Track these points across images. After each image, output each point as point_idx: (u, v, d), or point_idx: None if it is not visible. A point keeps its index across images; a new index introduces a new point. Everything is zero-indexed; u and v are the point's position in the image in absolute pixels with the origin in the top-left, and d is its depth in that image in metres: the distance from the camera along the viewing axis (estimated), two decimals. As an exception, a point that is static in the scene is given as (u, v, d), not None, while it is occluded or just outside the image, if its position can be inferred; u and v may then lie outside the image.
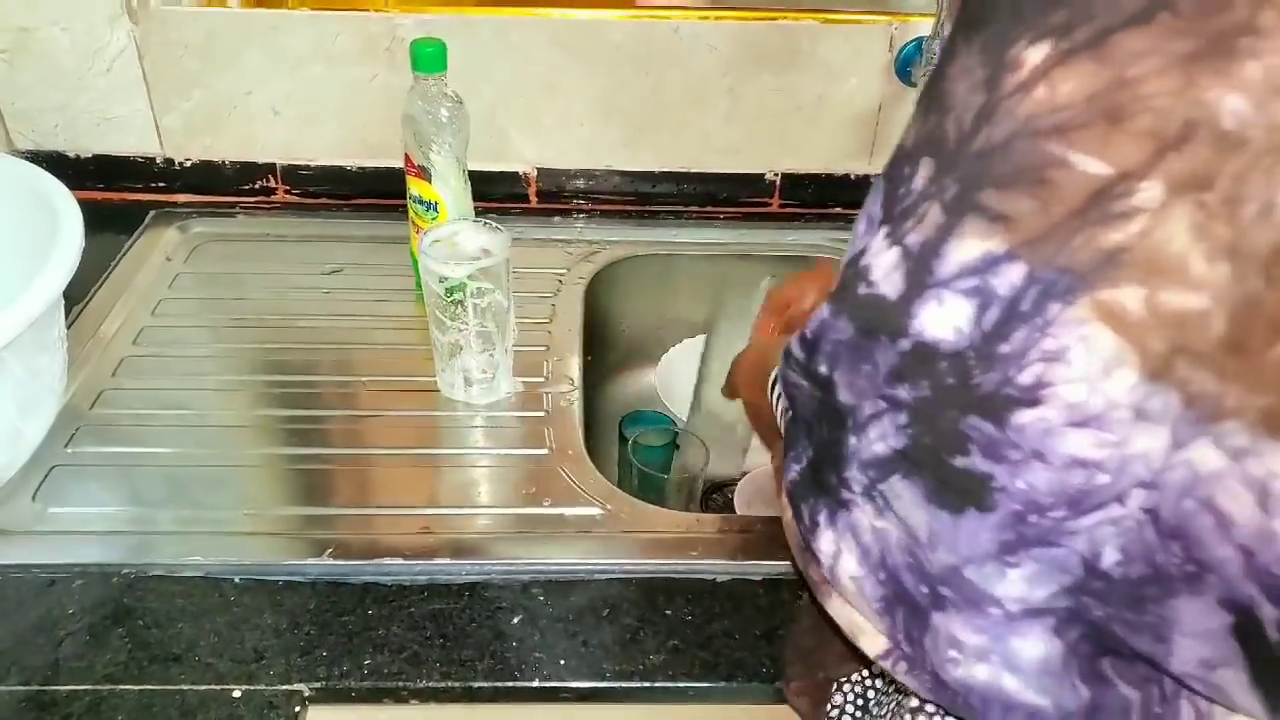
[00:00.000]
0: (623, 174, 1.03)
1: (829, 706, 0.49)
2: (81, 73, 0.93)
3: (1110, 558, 0.28)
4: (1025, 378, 0.26)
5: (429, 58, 0.78)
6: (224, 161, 0.99)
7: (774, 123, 1.00)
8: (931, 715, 0.38)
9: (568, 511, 0.68)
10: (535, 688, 0.57)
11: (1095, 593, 0.28)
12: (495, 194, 1.01)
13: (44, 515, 0.65)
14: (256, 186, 1.01)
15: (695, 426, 0.87)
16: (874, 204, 0.30)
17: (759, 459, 0.88)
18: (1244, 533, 0.25)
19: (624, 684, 0.58)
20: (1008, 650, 0.30)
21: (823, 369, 0.32)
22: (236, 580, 0.62)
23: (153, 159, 0.99)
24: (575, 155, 1.01)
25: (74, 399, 0.75)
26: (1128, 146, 0.25)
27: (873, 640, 0.34)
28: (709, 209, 1.05)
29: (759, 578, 0.64)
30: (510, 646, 0.59)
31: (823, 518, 0.34)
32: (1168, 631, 0.28)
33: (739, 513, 0.84)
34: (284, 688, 0.56)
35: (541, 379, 0.81)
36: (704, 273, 1.02)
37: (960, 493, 0.28)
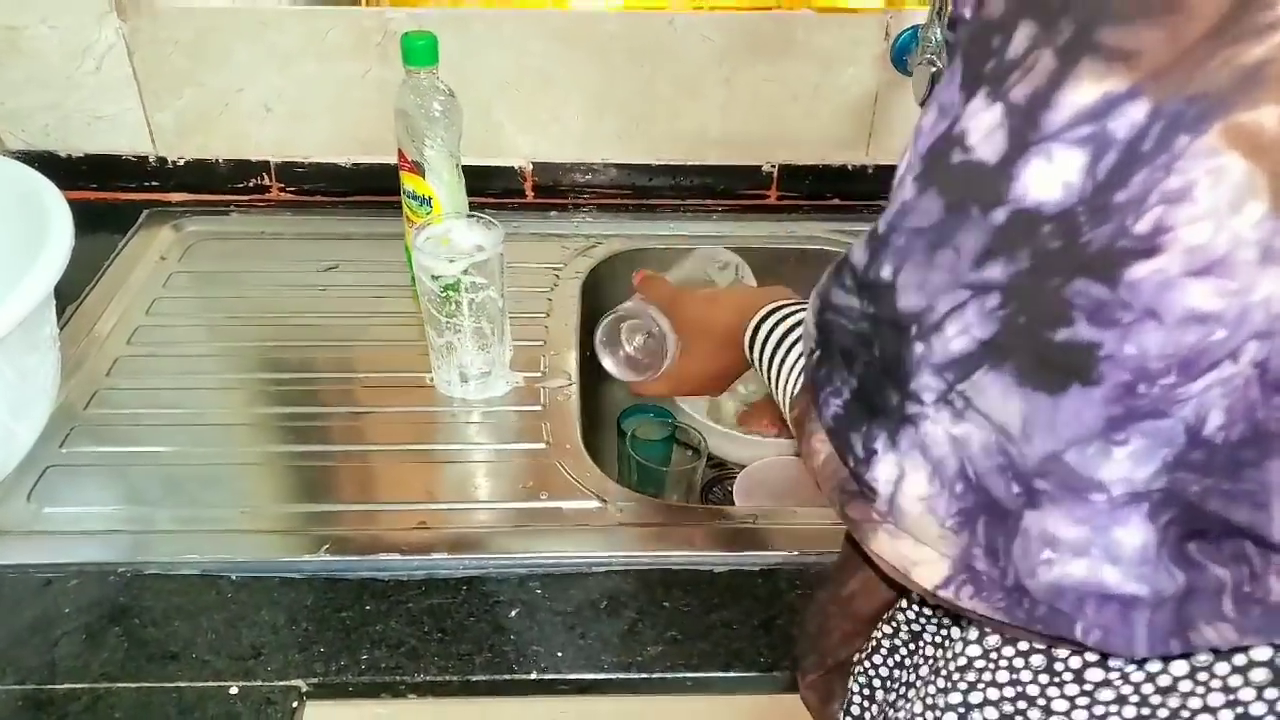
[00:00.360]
0: (619, 167, 1.02)
1: (843, 702, 0.49)
2: (70, 71, 0.93)
3: (1214, 422, 0.26)
4: (1143, 225, 0.25)
5: (420, 51, 0.78)
6: (217, 160, 0.99)
7: (770, 114, 0.99)
8: (980, 671, 0.37)
9: (565, 505, 0.68)
10: (533, 680, 0.57)
11: (1194, 465, 0.27)
12: (492, 189, 1.01)
13: (39, 515, 0.65)
14: (250, 184, 1.01)
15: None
16: (948, 89, 0.28)
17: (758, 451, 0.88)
18: None
19: (622, 675, 0.57)
20: (1110, 541, 0.29)
21: (885, 272, 0.30)
22: (233, 577, 0.62)
23: (145, 158, 0.98)
24: (571, 149, 1.01)
25: (68, 399, 0.74)
26: None
27: (931, 570, 0.32)
28: (706, 201, 1.04)
29: (757, 568, 0.64)
30: (508, 640, 0.59)
31: (880, 443, 0.32)
32: (1266, 497, 0.27)
33: (738, 505, 0.83)
34: (281, 684, 0.55)
35: (539, 374, 0.80)
36: (701, 265, 1.01)
37: (1060, 369, 0.27)
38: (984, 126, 0.27)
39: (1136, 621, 0.30)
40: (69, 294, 0.84)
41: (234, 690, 0.55)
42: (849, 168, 1.03)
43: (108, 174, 0.99)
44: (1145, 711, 0.33)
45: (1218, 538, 0.29)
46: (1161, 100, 0.24)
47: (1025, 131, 0.26)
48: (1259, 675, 0.32)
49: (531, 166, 1.01)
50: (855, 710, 0.47)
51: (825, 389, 0.34)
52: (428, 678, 0.56)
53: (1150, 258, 0.25)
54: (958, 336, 0.29)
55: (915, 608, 0.44)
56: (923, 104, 0.84)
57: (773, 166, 1.03)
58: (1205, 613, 0.29)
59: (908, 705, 0.42)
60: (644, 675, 0.57)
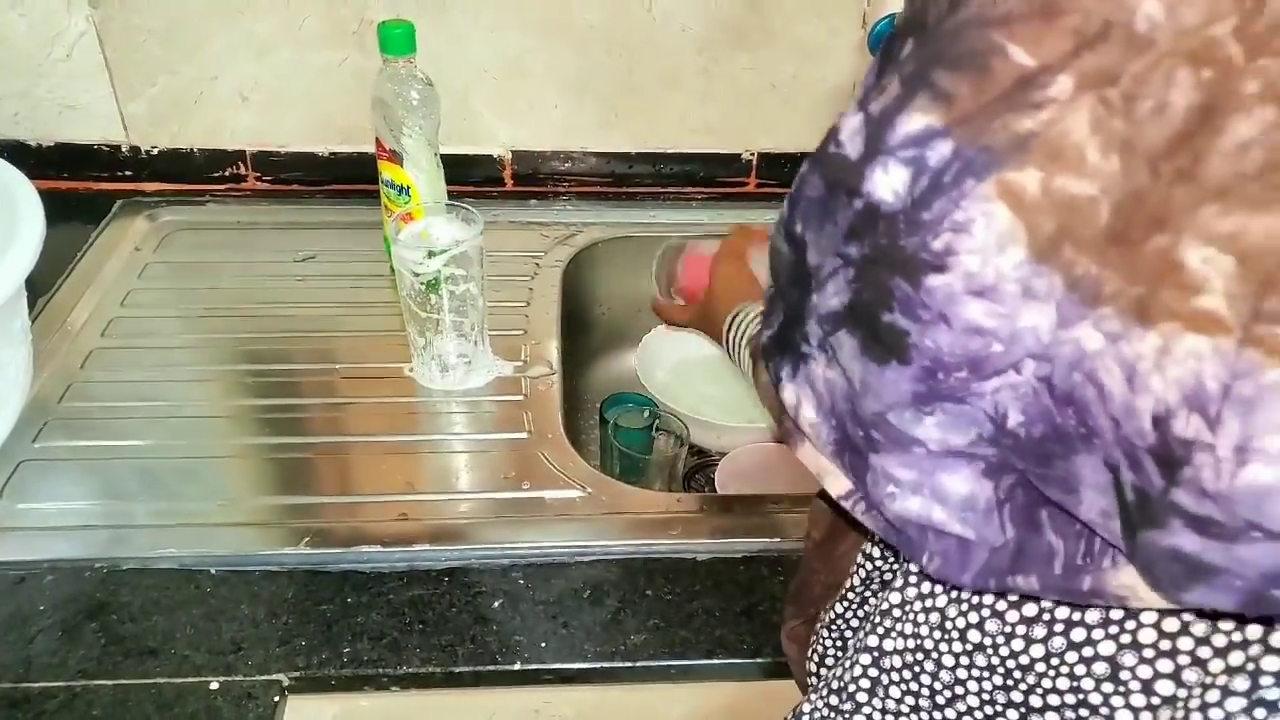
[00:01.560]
0: (599, 155, 1.02)
1: (810, 651, 0.50)
2: (40, 59, 0.91)
3: (1014, 419, 0.31)
4: (937, 244, 0.29)
5: (397, 39, 0.77)
6: (192, 149, 0.98)
7: (749, 102, 0.99)
8: (896, 620, 0.41)
9: (548, 495, 0.68)
10: (516, 670, 0.57)
11: (1009, 448, 0.32)
12: (471, 178, 1.00)
13: (12, 511, 0.64)
14: (226, 174, 0.99)
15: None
16: (869, 76, 0.33)
17: (739, 439, 0.88)
18: (1115, 405, 0.28)
19: (605, 664, 0.57)
20: (935, 484, 0.33)
21: (798, 228, 0.35)
22: (212, 571, 0.61)
23: (118, 147, 0.97)
24: (550, 137, 1.00)
25: (41, 393, 0.73)
26: (1054, 41, 0.27)
27: (836, 481, 0.37)
28: (686, 189, 1.04)
29: (739, 555, 0.64)
30: (491, 630, 0.58)
31: (785, 372, 0.37)
32: (1075, 483, 0.31)
33: (720, 492, 0.83)
34: (262, 678, 0.55)
35: (519, 363, 0.80)
36: (682, 254, 1.01)
37: (885, 346, 0.31)
38: (850, 128, 0.31)
39: (973, 558, 0.34)
40: (41, 286, 0.83)
41: (214, 685, 0.55)
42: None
43: (80, 164, 0.97)
44: (1010, 682, 0.38)
45: (1066, 510, 0.32)
46: (961, 143, 0.28)
47: (875, 140, 0.30)
48: (1099, 669, 0.35)
49: (511, 155, 1.01)
50: (829, 661, 0.49)
51: (766, 319, 0.39)
52: (410, 669, 0.56)
53: (941, 273, 0.29)
54: (833, 296, 0.33)
55: (875, 556, 0.46)
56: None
57: (752, 154, 1.03)
58: (1028, 568, 0.33)
59: (848, 651, 0.45)
60: (627, 664, 0.57)
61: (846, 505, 0.37)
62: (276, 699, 0.54)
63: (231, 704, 0.54)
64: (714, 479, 0.86)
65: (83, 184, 0.98)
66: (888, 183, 0.30)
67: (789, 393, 0.37)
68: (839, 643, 0.48)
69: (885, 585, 0.44)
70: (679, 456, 0.85)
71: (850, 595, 0.47)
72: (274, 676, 0.55)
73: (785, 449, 0.87)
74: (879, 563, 0.46)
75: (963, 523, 0.33)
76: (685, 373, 0.99)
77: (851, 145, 0.31)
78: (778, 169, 1.04)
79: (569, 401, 0.83)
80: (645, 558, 0.64)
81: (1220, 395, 0.25)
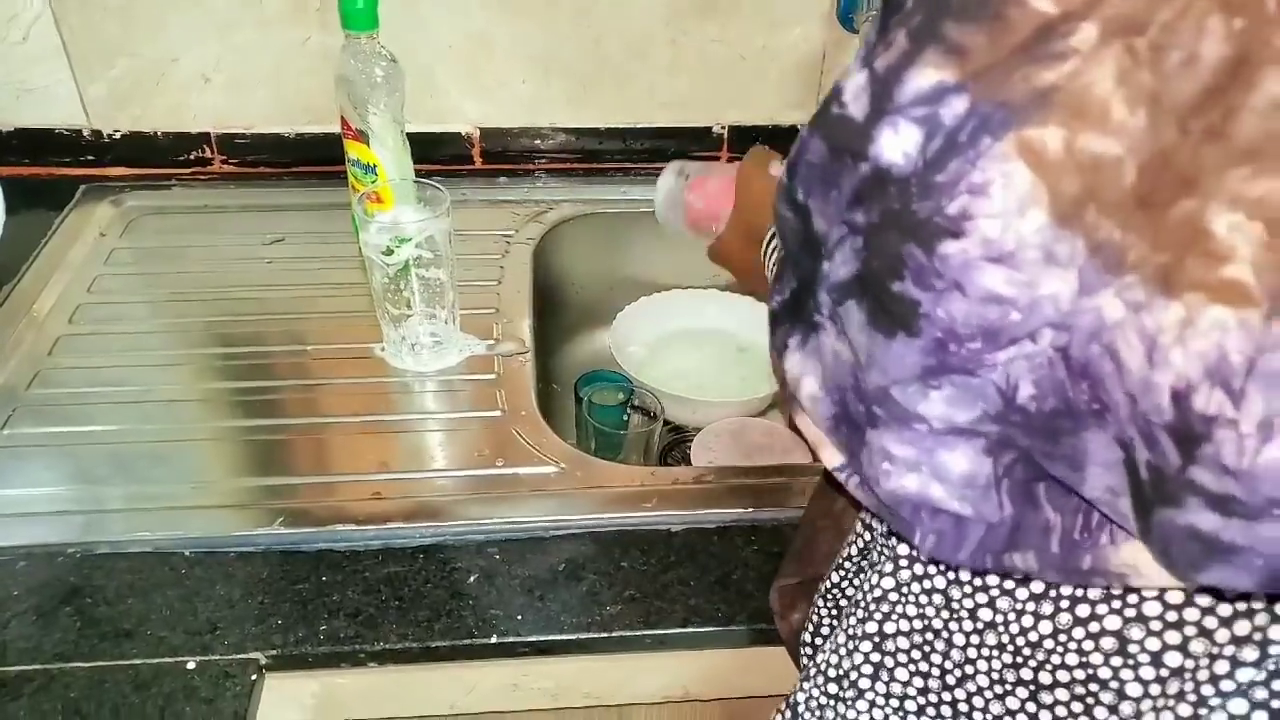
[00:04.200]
0: (568, 131, 1.01)
1: (807, 620, 0.50)
2: (-3, 43, 0.90)
3: (1025, 391, 0.29)
4: (953, 208, 0.27)
5: (359, 15, 0.77)
6: (156, 132, 0.97)
7: (719, 74, 0.99)
8: (894, 604, 0.40)
9: (522, 471, 0.68)
10: (493, 644, 0.57)
11: (1015, 424, 0.30)
12: (439, 156, 1.00)
13: (-17, 498, 0.63)
14: (191, 157, 0.98)
15: None
16: (871, 30, 0.31)
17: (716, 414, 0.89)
18: (1132, 380, 0.27)
19: (582, 635, 0.58)
20: (935, 462, 0.32)
21: (800, 195, 0.33)
22: (187, 553, 0.61)
23: (79, 131, 0.96)
24: (518, 113, 1.00)
25: (8, 381, 0.73)
26: None
27: (831, 454, 0.36)
28: (657, 164, 1.04)
29: (713, 526, 0.65)
30: (467, 605, 0.59)
31: (794, 341, 0.36)
32: (1081, 460, 0.30)
33: (694, 464, 0.84)
34: (239, 657, 0.55)
35: (492, 341, 0.80)
36: (654, 230, 1.01)
37: (893, 316, 0.30)
38: (854, 87, 0.30)
39: (969, 536, 0.33)
40: (4, 273, 0.82)
41: (191, 665, 0.55)
42: (799, 127, 1.02)
43: (40, 149, 0.96)
44: (1019, 659, 0.37)
45: (1066, 486, 0.31)
46: (978, 99, 0.26)
47: (882, 99, 0.29)
48: (1107, 644, 0.34)
49: (479, 132, 1.00)
50: (825, 631, 0.48)
51: (776, 285, 0.38)
52: (387, 645, 0.57)
53: (957, 239, 0.27)
54: (841, 266, 0.32)
55: (875, 527, 0.46)
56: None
57: (723, 127, 1.03)
58: (1025, 544, 0.32)
59: (835, 634, 0.44)
60: (603, 634, 0.58)
61: (841, 478, 0.36)
62: (254, 677, 0.55)
63: (209, 683, 0.54)
64: (689, 454, 0.86)
65: (45, 169, 0.97)
66: (897, 143, 0.28)
67: (793, 363, 0.36)
68: (834, 612, 0.48)
69: (873, 567, 0.43)
70: (654, 432, 0.86)
71: (847, 565, 0.47)
72: (251, 655, 0.55)
73: (759, 422, 0.88)
74: (879, 535, 0.45)
75: (961, 500, 0.32)
76: (659, 349, 0.99)
77: (856, 105, 0.29)
78: (749, 141, 1.03)
79: (543, 379, 0.84)
80: (620, 530, 0.64)
81: (1245, 370, 0.24)
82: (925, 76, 0.27)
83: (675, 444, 0.94)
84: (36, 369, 0.74)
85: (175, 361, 0.77)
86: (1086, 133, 0.25)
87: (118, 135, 0.96)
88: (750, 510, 0.66)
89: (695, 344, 0.99)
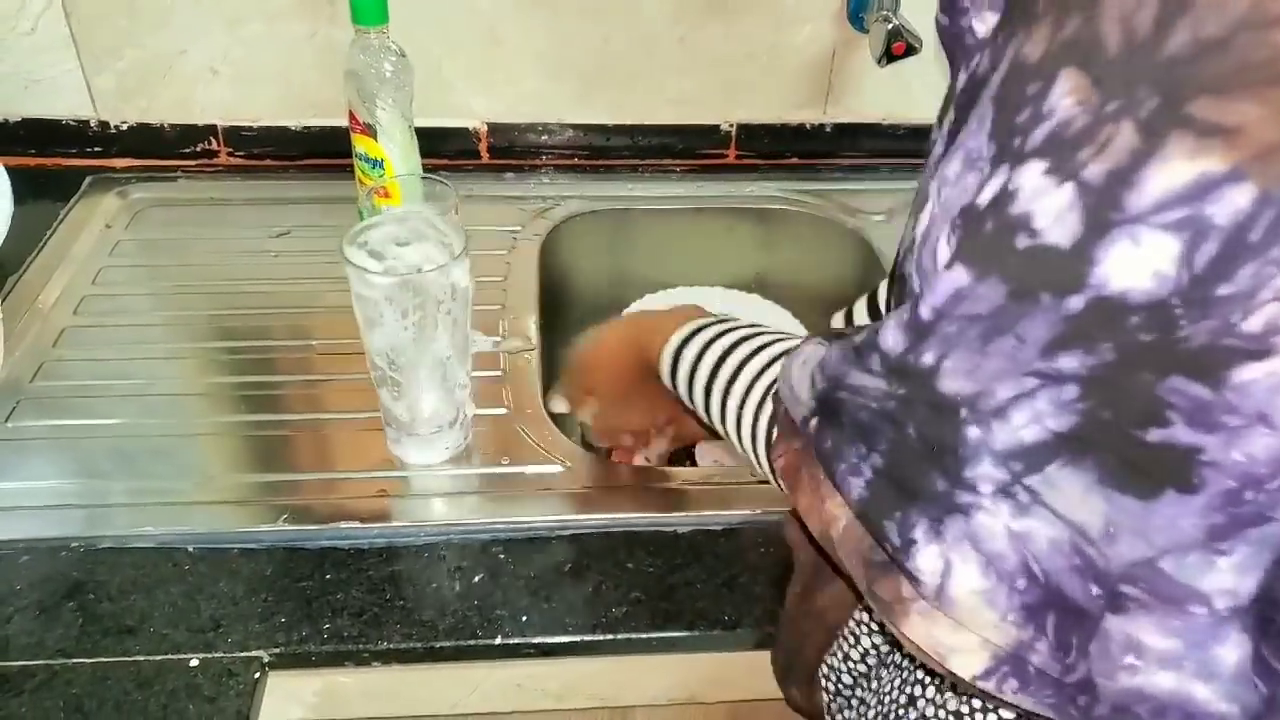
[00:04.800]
0: (576, 127, 1.01)
1: (822, 696, 0.49)
2: (4, 32, 0.89)
3: None
4: (1253, 324, 0.22)
5: (369, 9, 0.76)
6: (163, 124, 0.96)
7: (727, 72, 0.98)
8: (931, 699, 0.37)
9: (528, 470, 0.68)
10: (498, 645, 0.57)
11: None
12: (446, 151, 0.99)
13: (-14, 491, 0.63)
14: (198, 149, 0.98)
15: None
16: (976, 136, 0.26)
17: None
18: None
19: (587, 637, 0.58)
20: (1207, 657, 0.27)
21: (927, 358, 0.28)
22: (190, 550, 0.61)
23: (86, 122, 0.95)
24: (526, 109, 0.99)
25: (13, 372, 0.72)
26: None
27: (970, 659, 0.30)
28: (665, 161, 1.03)
29: (719, 527, 0.64)
30: (472, 605, 0.59)
31: (920, 532, 0.29)
32: None
33: (700, 464, 0.84)
34: (242, 654, 0.55)
35: (498, 338, 0.79)
36: (661, 227, 1.01)
37: (1154, 473, 0.25)
38: (1054, 208, 0.24)
39: None
40: (10, 264, 0.82)
41: (194, 663, 0.54)
42: (807, 126, 1.02)
43: (47, 139, 0.95)
44: None
45: None
46: (1269, 184, 0.21)
47: (1105, 212, 0.23)
48: None
49: (486, 127, 1.00)
50: (840, 701, 0.48)
51: (839, 463, 0.32)
52: (391, 645, 0.56)
53: (1262, 359, 0.23)
54: (1028, 426, 0.27)
55: (875, 631, 0.44)
56: (879, 61, 0.83)
57: (731, 126, 1.02)
58: None
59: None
60: (609, 636, 0.58)
61: (986, 685, 0.30)
62: (257, 675, 0.54)
63: (212, 681, 0.54)
64: (694, 453, 0.86)
65: (51, 160, 0.97)
66: (1140, 262, 0.23)
67: (928, 557, 0.30)
68: (834, 690, 0.47)
69: (907, 693, 0.39)
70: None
71: (857, 666, 0.45)
72: (254, 653, 0.55)
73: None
74: (877, 639, 0.43)
75: (1230, 698, 0.27)
76: (665, 346, 0.98)
77: (1060, 229, 0.24)
78: (757, 140, 1.03)
79: (548, 376, 0.83)
80: (626, 531, 0.64)
81: None
82: (1175, 173, 0.22)
83: (680, 443, 0.93)
84: (41, 361, 0.74)
85: (180, 355, 0.76)
86: None
87: (124, 126, 0.96)
88: (758, 512, 0.65)
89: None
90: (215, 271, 0.85)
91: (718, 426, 0.51)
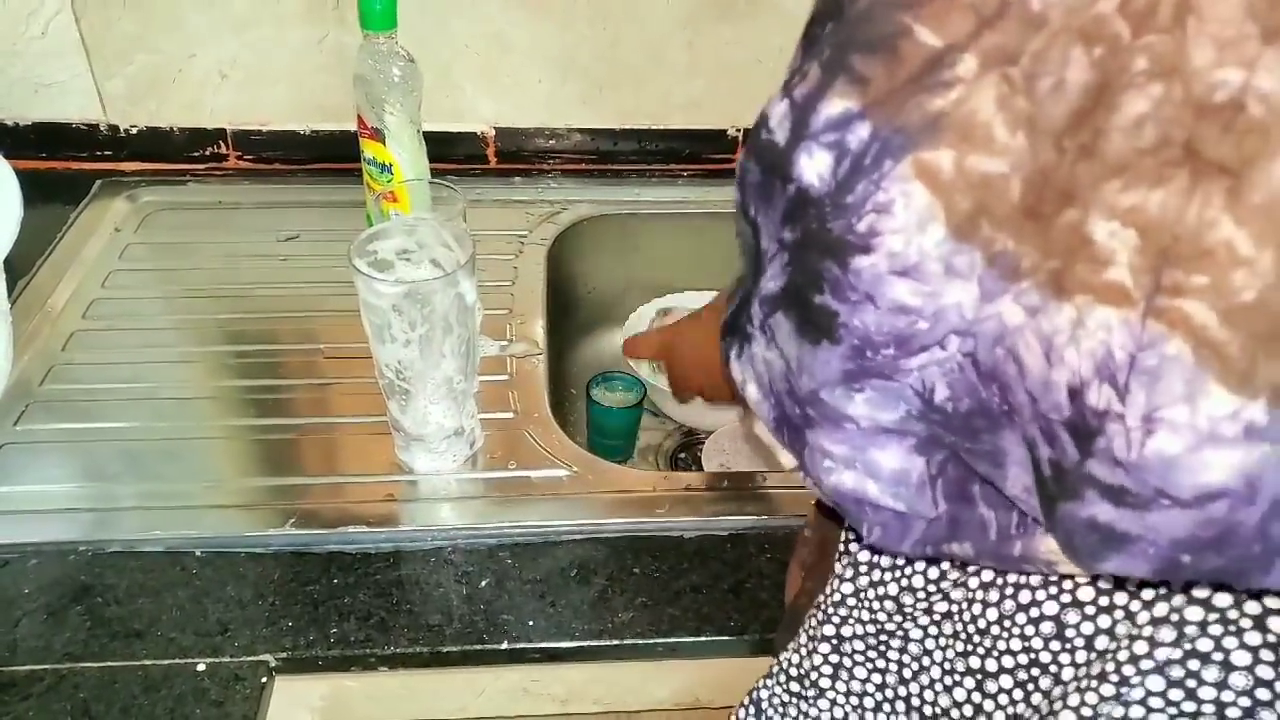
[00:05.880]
0: (583, 132, 1.01)
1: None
2: (15, 37, 0.90)
3: (941, 394, 0.31)
4: (861, 226, 0.29)
5: (378, 15, 0.76)
6: (172, 128, 0.97)
7: (735, 77, 0.98)
8: (851, 609, 0.42)
9: (534, 474, 0.68)
10: (504, 650, 0.57)
11: (937, 423, 0.32)
12: (453, 155, 0.99)
13: (-4, 494, 0.63)
14: (207, 153, 0.98)
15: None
16: (794, 61, 0.34)
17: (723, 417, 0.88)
18: (1033, 380, 0.29)
19: (593, 643, 0.58)
20: (868, 459, 0.34)
21: (751, 211, 0.35)
22: (198, 553, 0.61)
23: (96, 126, 0.96)
24: (534, 113, 0.99)
25: (22, 375, 0.73)
26: (957, 21, 0.27)
27: (787, 458, 0.38)
28: (672, 166, 1.04)
29: (725, 533, 0.64)
30: (478, 610, 0.59)
31: (734, 352, 0.38)
32: (1002, 459, 0.32)
33: (706, 470, 0.84)
34: (249, 659, 0.55)
35: (505, 342, 0.79)
36: (668, 232, 1.01)
37: (817, 326, 0.32)
38: (777, 114, 0.32)
39: (911, 529, 0.35)
40: (20, 267, 0.82)
41: (201, 667, 0.55)
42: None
43: (57, 143, 0.96)
44: (970, 647, 0.39)
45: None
46: (878, 125, 0.29)
47: (800, 126, 0.31)
48: (1046, 628, 0.37)
49: (494, 132, 1.00)
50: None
51: (731, 298, 0.40)
52: (398, 649, 0.56)
53: (866, 254, 0.30)
54: (771, 280, 0.34)
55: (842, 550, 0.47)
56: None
57: (738, 130, 1.02)
58: (963, 537, 0.35)
59: (797, 634, 0.46)
60: (615, 642, 0.58)
61: (799, 477, 0.38)
62: (264, 680, 0.54)
63: (219, 685, 0.54)
64: (700, 457, 0.86)
65: (61, 163, 0.97)
66: (813, 167, 0.30)
67: (735, 370, 0.38)
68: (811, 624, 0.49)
69: (833, 573, 0.45)
70: (665, 434, 0.85)
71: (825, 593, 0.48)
72: (261, 657, 0.55)
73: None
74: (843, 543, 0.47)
75: (895, 497, 0.34)
76: (672, 350, 0.98)
77: (780, 131, 0.32)
78: (764, 145, 1.03)
79: (554, 381, 0.83)
80: (632, 536, 0.64)
81: (1128, 366, 0.26)
82: (834, 105, 0.30)
83: (685, 446, 0.94)
84: (50, 364, 0.74)
85: (188, 359, 0.77)
86: (974, 154, 0.28)
87: (134, 130, 0.96)
88: (764, 517, 0.65)
89: (708, 347, 0.99)
90: (224, 275, 0.85)
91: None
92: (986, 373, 0.30)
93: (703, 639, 0.58)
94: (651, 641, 0.58)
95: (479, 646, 0.57)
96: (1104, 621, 0.35)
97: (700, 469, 0.86)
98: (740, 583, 0.61)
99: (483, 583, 0.60)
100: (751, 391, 0.37)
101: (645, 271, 1.02)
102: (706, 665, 0.62)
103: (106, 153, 0.97)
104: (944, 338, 0.30)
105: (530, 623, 0.58)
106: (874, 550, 0.43)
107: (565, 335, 1.00)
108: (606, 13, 0.93)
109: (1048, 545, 0.32)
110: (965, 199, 0.28)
